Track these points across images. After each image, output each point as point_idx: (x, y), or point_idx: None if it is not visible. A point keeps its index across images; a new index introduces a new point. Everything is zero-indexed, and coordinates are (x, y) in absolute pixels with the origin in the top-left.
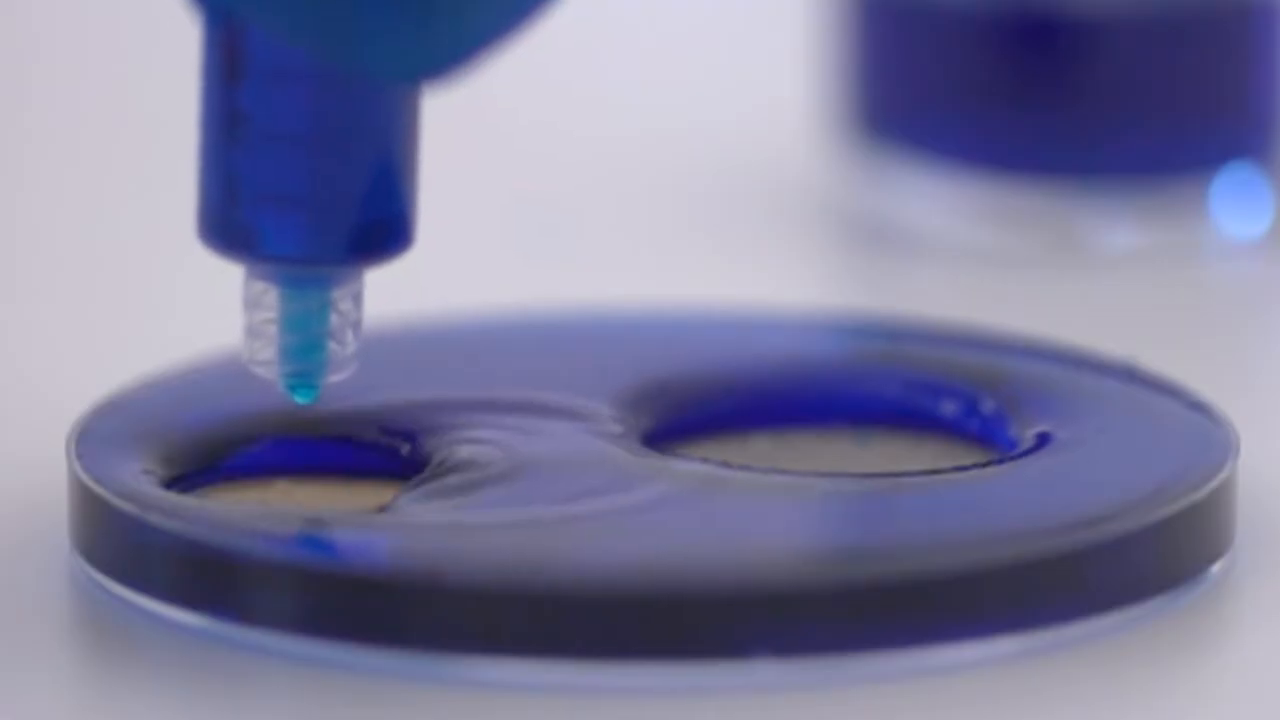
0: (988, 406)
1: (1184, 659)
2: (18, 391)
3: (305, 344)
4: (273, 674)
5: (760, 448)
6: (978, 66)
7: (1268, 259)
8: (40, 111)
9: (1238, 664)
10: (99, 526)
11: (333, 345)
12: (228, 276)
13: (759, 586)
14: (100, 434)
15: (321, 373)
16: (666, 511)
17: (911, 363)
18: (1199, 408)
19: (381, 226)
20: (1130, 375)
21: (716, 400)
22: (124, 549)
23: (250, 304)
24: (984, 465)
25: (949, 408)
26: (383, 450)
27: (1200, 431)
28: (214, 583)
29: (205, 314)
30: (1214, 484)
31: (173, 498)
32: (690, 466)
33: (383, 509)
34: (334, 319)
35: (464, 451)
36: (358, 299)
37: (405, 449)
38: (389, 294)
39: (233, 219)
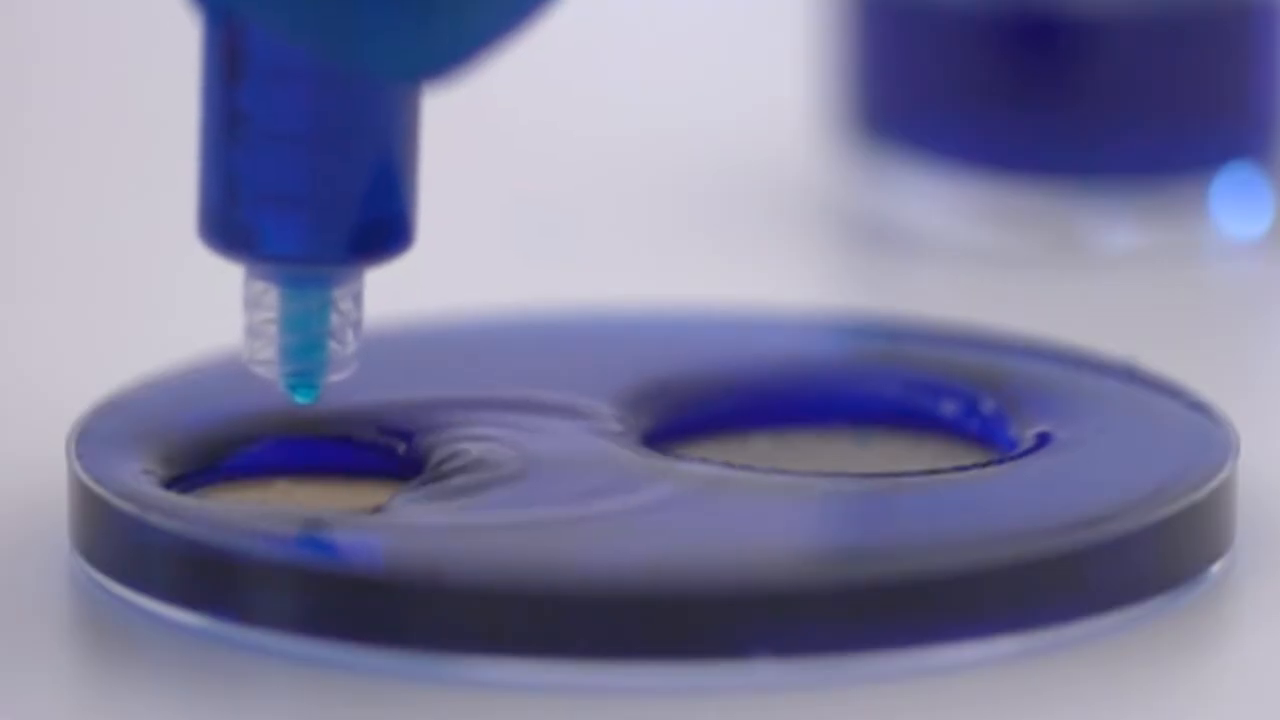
0: (988, 406)
1: (1184, 659)
2: (18, 391)
3: (305, 344)
4: (273, 674)
5: (760, 448)
6: (978, 66)
7: (1268, 259)
8: (40, 111)
9: (1238, 664)
10: (99, 526)
11: (333, 345)
12: (228, 276)
13: (759, 586)
14: (100, 434)
15: (322, 372)
16: (671, 512)
17: (911, 363)
18: (1199, 408)
19: (382, 226)
20: (1130, 375)
21: (716, 400)
22: (124, 549)
23: (250, 304)
24: (984, 465)
25: (949, 408)
26: (383, 450)
27: (1200, 431)
28: (214, 583)
29: (205, 314)
30: (1214, 484)
31: (173, 498)
32: (695, 467)
33: (377, 509)
34: (334, 318)
35: (467, 450)
36: (358, 299)
37: (404, 449)
38: (389, 294)
39: (233, 218)
